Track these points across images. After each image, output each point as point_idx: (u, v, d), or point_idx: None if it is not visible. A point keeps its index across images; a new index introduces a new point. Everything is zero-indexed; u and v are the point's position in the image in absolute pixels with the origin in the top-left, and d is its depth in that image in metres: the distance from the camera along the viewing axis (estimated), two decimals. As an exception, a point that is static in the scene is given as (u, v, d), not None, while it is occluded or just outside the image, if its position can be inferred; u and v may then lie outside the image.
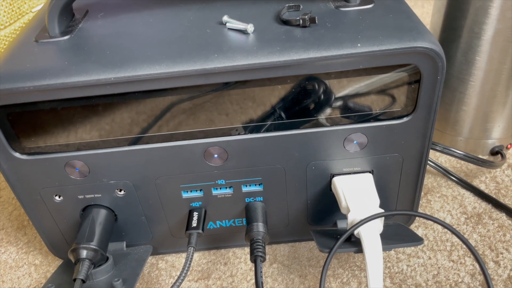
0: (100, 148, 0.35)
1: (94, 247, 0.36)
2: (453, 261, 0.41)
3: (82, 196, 0.38)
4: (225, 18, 0.35)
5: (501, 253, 0.41)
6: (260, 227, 0.37)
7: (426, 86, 0.33)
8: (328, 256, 0.33)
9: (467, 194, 0.48)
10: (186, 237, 0.38)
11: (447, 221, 0.45)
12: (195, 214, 0.39)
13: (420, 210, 0.45)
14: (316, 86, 0.33)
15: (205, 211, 0.40)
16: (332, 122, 0.35)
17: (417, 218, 0.45)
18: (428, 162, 0.49)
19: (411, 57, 0.31)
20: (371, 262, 0.32)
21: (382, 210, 0.34)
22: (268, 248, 0.44)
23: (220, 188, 0.39)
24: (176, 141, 0.35)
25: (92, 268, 0.36)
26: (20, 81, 0.31)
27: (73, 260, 0.36)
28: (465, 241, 0.33)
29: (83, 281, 0.34)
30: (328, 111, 0.34)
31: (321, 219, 0.41)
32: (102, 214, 0.38)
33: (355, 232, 0.34)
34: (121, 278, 0.36)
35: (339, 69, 0.32)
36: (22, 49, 0.35)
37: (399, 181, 0.39)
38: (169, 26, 0.36)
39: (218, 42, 0.33)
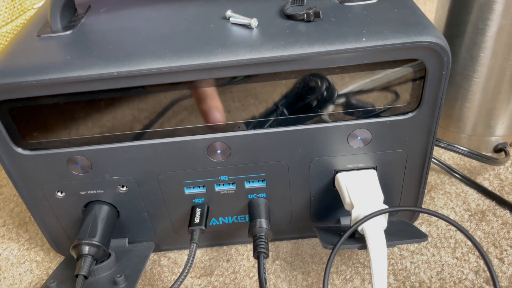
0: (102, 143, 0.35)
1: (96, 243, 0.36)
2: (457, 258, 0.41)
3: (84, 192, 0.37)
4: (229, 12, 0.34)
5: (505, 250, 0.41)
6: (263, 223, 0.37)
7: (431, 81, 0.32)
8: (332, 252, 0.33)
9: (471, 191, 0.47)
10: (189, 234, 0.38)
11: (451, 218, 0.45)
12: (198, 210, 0.39)
13: (423, 207, 0.45)
14: (320, 82, 0.33)
15: (208, 208, 0.40)
16: (336, 117, 0.35)
17: (420, 215, 0.44)
18: (432, 159, 0.48)
19: (416, 51, 0.31)
20: (375, 259, 0.32)
21: (386, 206, 0.34)
22: (271, 245, 0.43)
23: (223, 184, 0.38)
24: (179, 136, 0.35)
25: (94, 264, 0.36)
26: (23, 75, 0.31)
27: (75, 256, 0.36)
28: (470, 237, 0.33)
29: (85, 277, 0.34)
30: (332, 106, 0.34)
31: (324, 216, 0.41)
32: (104, 210, 0.38)
33: (359, 229, 0.34)
34: (123, 275, 0.36)
35: (344, 63, 0.32)
36: (24, 44, 0.35)
37: (403, 177, 0.39)
38: (172, 20, 0.36)
39: (222, 37, 0.32)
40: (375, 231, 0.33)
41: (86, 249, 0.35)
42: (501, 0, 0.42)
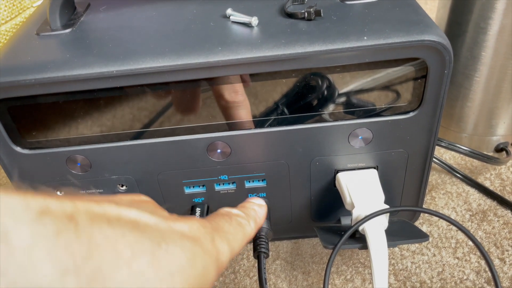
0: (102, 142, 0.35)
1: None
2: (458, 258, 0.40)
3: (84, 192, 0.37)
4: (229, 11, 0.34)
5: (507, 250, 0.41)
6: (263, 223, 0.37)
7: (433, 81, 0.32)
8: (332, 252, 0.33)
9: (472, 191, 0.47)
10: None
11: (452, 218, 0.44)
12: (198, 209, 0.39)
13: (424, 207, 0.45)
14: (321, 81, 0.33)
15: (208, 207, 0.39)
16: (337, 117, 0.35)
17: (421, 214, 0.44)
18: (433, 158, 0.48)
19: (418, 50, 0.31)
20: (376, 259, 0.32)
21: (387, 206, 0.34)
22: (271, 245, 0.43)
23: (223, 184, 0.38)
24: (178, 136, 0.35)
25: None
26: (22, 74, 0.31)
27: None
28: (471, 237, 0.33)
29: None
30: (333, 106, 0.34)
31: (324, 216, 0.41)
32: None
33: (360, 228, 0.33)
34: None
35: (345, 62, 0.31)
36: (23, 42, 0.35)
37: (404, 177, 0.38)
38: (172, 19, 0.35)
39: (222, 35, 0.32)
40: (376, 231, 0.33)
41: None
42: (503, -1, 0.42)
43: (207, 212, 0.39)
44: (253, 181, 0.38)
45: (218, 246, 0.23)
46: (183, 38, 0.32)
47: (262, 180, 0.38)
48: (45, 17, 0.37)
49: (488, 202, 0.46)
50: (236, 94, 0.32)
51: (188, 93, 0.33)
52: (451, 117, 0.52)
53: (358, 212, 0.34)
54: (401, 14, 0.32)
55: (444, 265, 0.40)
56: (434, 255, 0.41)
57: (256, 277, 0.40)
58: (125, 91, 0.32)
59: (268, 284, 0.40)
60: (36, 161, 0.35)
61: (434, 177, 0.49)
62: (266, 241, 0.36)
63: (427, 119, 0.34)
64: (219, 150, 0.35)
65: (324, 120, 0.35)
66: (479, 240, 0.42)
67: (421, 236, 0.36)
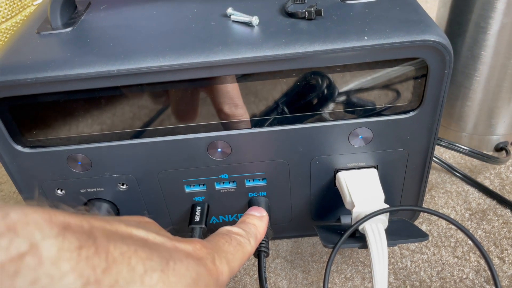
0: (102, 141, 0.35)
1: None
2: (457, 257, 0.40)
3: (84, 190, 0.37)
4: (230, 10, 0.34)
5: (506, 250, 0.41)
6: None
7: (433, 80, 0.32)
8: (332, 251, 0.33)
9: (472, 190, 0.47)
10: (189, 232, 0.38)
11: (451, 217, 0.44)
12: (198, 208, 0.39)
13: (424, 206, 0.45)
14: (322, 80, 0.33)
15: (208, 206, 0.39)
16: (337, 116, 0.35)
17: (421, 214, 0.44)
18: (432, 158, 0.48)
19: (418, 50, 0.31)
20: (376, 258, 0.32)
21: (387, 206, 0.34)
22: (271, 243, 0.43)
23: (223, 183, 0.38)
24: (179, 134, 0.35)
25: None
26: (22, 73, 0.31)
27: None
28: (470, 236, 0.33)
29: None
30: (333, 105, 0.34)
31: (324, 215, 0.41)
32: (104, 208, 0.38)
33: (360, 228, 0.34)
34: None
35: (345, 62, 0.31)
36: (24, 41, 0.35)
37: (404, 176, 0.39)
38: (172, 18, 0.35)
39: (223, 35, 0.32)
40: (375, 230, 0.33)
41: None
42: (503, -1, 0.42)
43: (207, 211, 0.39)
44: (253, 180, 0.38)
45: (219, 266, 0.24)
46: (184, 37, 0.33)
47: (263, 179, 0.38)
48: (45, 16, 0.37)
49: (487, 201, 0.46)
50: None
51: (187, 95, 0.33)
52: (451, 116, 0.52)
53: (358, 211, 0.34)
54: (401, 13, 0.32)
55: (443, 264, 0.40)
56: (434, 254, 0.41)
57: (256, 276, 0.41)
58: (125, 90, 0.32)
59: (268, 282, 0.40)
60: (36, 160, 0.35)
61: (434, 176, 0.49)
62: (266, 240, 0.36)
63: (427, 118, 0.34)
64: (219, 149, 0.35)
65: (324, 120, 0.35)
66: (478, 239, 0.42)
67: (421, 235, 0.36)
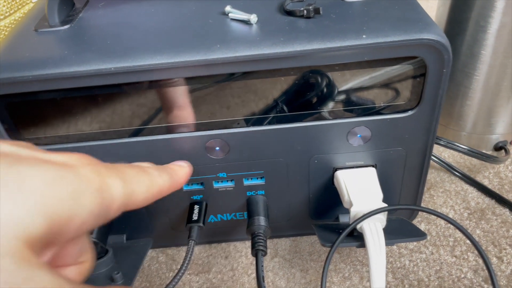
0: (100, 139, 0.35)
1: (93, 239, 0.35)
2: (456, 256, 0.40)
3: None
4: (228, 8, 0.34)
5: (504, 249, 0.41)
6: (261, 221, 0.37)
7: (432, 79, 0.32)
8: (330, 250, 0.33)
9: (470, 190, 0.47)
10: (187, 231, 0.38)
11: (450, 216, 0.44)
12: (196, 207, 0.39)
13: (423, 205, 0.45)
14: (320, 79, 0.33)
15: (206, 205, 0.39)
16: (336, 115, 0.34)
17: (419, 213, 0.44)
18: (431, 157, 0.48)
19: (417, 49, 0.31)
20: (374, 257, 0.32)
21: (385, 205, 0.34)
22: (269, 242, 0.43)
23: (222, 181, 0.38)
24: (177, 133, 0.35)
25: (91, 260, 0.36)
26: (20, 70, 0.30)
27: (72, 253, 0.36)
28: (469, 236, 0.33)
29: (83, 274, 0.34)
30: (331, 104, 0.34)
31: (323, 214, 0.41)
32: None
33: (358, 227, 0.34)
34: (121, 271, 0.36)
35: (344, 61, 0.31)
36: (21, 39, 0.34)
37: (402, 175, 0.38)
38: (171, 16, 0.35)
39: (221, 33, 0.32)
40: (373, 230, 0.33)
41: (83, 245, 0.35)
42: (503, -2, 0.42)
43: (205, 209, 0.39)
44: (251, 178, 0.38)
45: (107, 179, 0.22)
46: (182, 35, 0.32)
47: (261, 178, 0.38)
48: (43, 13, 0.37)
49: (486, 201, 0.46)
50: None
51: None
52: (450, 115, 0.51)
53: (356, 210, 0.34)
54: (400, 12, 0.32)
55: (442, 263, 0.40)
56: (432, 253, 0.41)
57: (254, 275, 0.40)
58: (123, 88, 0.32)
59: (266, 281, 0.40)
60: (34, 158, 0.35)
61: (433, 175, 0.49)
62: (264, 238, 0.36)
63: (425, 117, 0.34)
64: (217, 148, 0.35)
65: (323, 118, 0.34)
66: (476, 238, 0.42)
67: (419, 235, 0.36)
